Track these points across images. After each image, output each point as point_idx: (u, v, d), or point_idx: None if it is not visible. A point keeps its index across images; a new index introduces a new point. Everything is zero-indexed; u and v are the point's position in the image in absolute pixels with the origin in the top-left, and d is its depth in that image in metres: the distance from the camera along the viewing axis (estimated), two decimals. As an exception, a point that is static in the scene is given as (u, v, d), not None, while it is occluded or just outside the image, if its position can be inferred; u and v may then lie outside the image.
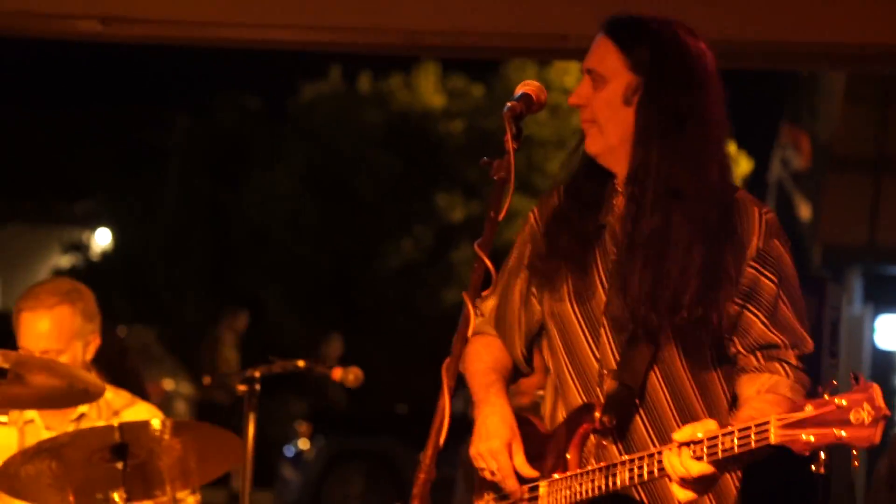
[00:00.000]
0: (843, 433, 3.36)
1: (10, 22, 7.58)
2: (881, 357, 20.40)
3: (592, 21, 4.26)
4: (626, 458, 3.91)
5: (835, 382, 3.47)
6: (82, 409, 5.81)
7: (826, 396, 3.42)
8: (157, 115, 31.08)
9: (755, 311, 4.01)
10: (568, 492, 4.01)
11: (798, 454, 3.48)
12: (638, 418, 4.04)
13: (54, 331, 5.64)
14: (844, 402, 3.37)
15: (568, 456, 4.07)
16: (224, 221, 29.60)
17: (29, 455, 5.32)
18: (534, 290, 4.24)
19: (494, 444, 4.09)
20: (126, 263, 30.59)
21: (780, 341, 4.05)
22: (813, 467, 3.54)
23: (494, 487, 4.18)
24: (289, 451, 19.90)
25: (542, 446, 4.14)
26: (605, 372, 4.06)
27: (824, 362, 6.88)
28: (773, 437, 3.48)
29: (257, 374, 6.18)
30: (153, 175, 30.89)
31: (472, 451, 4.11)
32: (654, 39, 4.05)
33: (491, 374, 4.29)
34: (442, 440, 3.50)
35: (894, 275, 20.71)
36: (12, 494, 5.47)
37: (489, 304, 4.39)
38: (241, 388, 6.14)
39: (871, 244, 19.05)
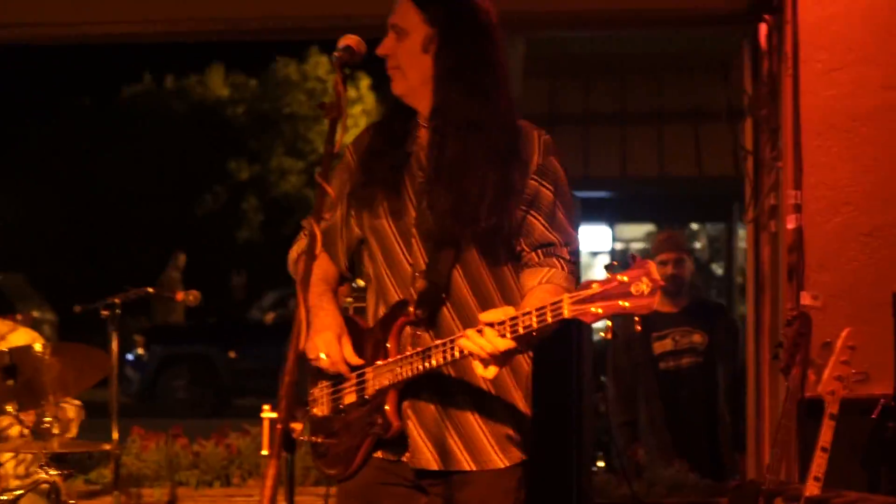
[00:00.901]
0: (627, 304, 3.04)
1: None
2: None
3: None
4: (438, 342, 3.48)
5: (615, 263, 3.14)
6: None
7: (609, 274, 3.10)
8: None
9: (536, 216, 3.67)
10: (390, 374, 3.58)
11: (588, 324, 3.18)
12: (445, 310, 3.65)
13: None
14: (626, 279, 3.04)
15: (388, 345, 3.63)
16: (78, 196, 29.02)
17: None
18: (353, 212, 3.85)
19: (327, 336, 3.68)
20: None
21: (555, 240, 3.66)
22: (602, 334, 3.37)
23: (327, 376, 3.78)
24: (130, 356, 19.83)
25: (365, 339, 3.74)
26: (416, 274, 3.68)
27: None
28: (566, 312, 3.14)
29: (117, 301, 5.75)
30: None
31: (308, 343, 3.68)
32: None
33: (321, 285, 3.83)
34: (301, 344, 2.98)
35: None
36: None
37: (314, 228, 3.89)
38: (105, 312, 5.56)
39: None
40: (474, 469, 3.63)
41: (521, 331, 3.26)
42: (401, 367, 3.55)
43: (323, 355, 3.66)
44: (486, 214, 3.58)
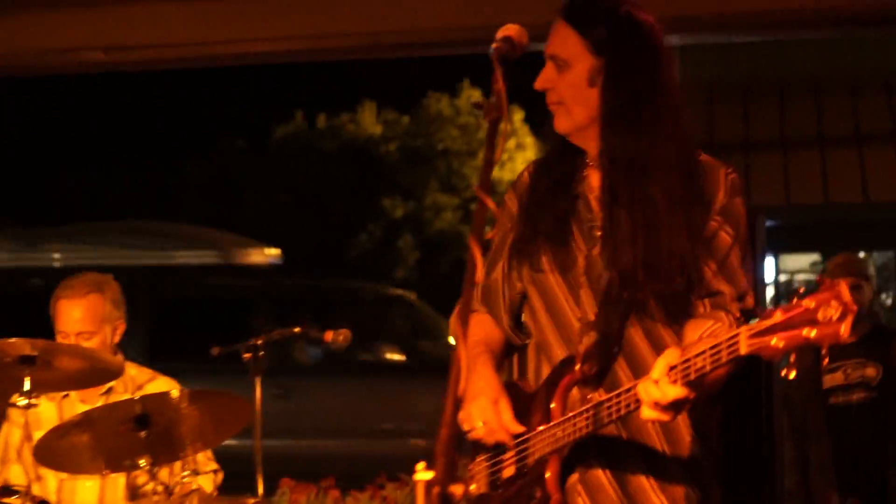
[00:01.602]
0: (812, 333, 2.55)
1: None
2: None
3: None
4: (603, 397, 3.05)
5: (802, 290, 2.66)
6: (110, 384, 5.06)
7: (795, 300, 2.62)
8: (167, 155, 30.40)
9: (709, 261, 3.19)
10: (552, 438, 3.14)
11: (767, 360, 2.70)
12: (618, 367, 3.23)
13: (87, 316, 5.03)
14: (812, 304, 2.56)
15: (552, 406, 3.19)
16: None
17: (65, 429, 4.55)
18: (514, 264, 3.41)
19: (482, 402, 3.23)
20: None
21: (726, 291, 3.20)
22: (783, 373, 2.96)
23: (486, 449, 3.31)
24: None
25: (527, 404, 3.26)
26: (584, 328, 3.25)
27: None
28: (743, 348, 2.65)
29: (260, 342, 5.25)
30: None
31: (461, 414, 3.18)
32: (608, 19, 3.24)
33: (479, 346, 3.40)
34: (461, 390, 2.51)
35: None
36: (52, 466, 4.81)
37: (476, 288, 3.54)
38: (247, 355, 5.14)
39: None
40: None
41: (692, 375, 2.82)
42: (563, 429, 3.10)
43: (479, 423, 3.21)
44: (678, 272, 3.15)
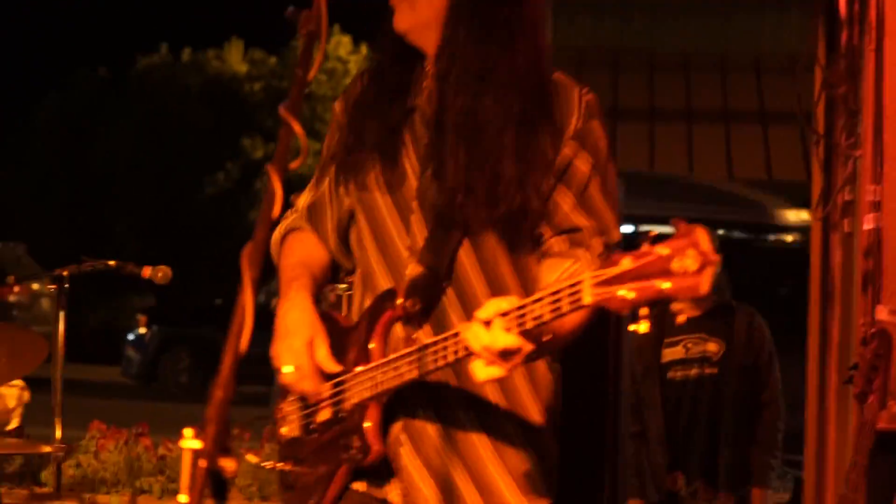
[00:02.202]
0: (667, 284, 2.19)
1: None
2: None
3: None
4: (429, 340, 2.64)
5: (652, 233, 2.28)
6: None
7: (645, 247, 2.24)
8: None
9: (564, 193, 2.79)
10: (371, 383, 2.74)
11: (616, 313, 2.33)
12: (448, 305, 2.81)
13: None
14: (666, 251, 2.20)
15: (371, 346, 2.79)
16: (87, 169, 28.83)
17: None
18: (341, 179, 2.98)
19: (294, 342, 2.79)
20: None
21: (586, 225, 2.78)
22: (632, 327, 2.62)
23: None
24: (131, 336, 20.35)
25: (346, 341, 2.85)
26: (411, 257, 2.85)
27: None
28: (588, 297, 2.30)
29: (65, 273, 4.86)
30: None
31: (272, 352, 2.82)
32: None
33: (297, 269, 2.96)
34: (244, 344, 2.04)
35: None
36: None
37: (303, 200, 3.13)
38: (51, 287, 4.72)
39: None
40: None
41: (528, 324, 2.42)
42: (384, 372, 2.71)
43: (290, 368, 2.79)
44: (507, 192, 2.74)
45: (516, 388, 2.81)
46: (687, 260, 2.16)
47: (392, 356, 2.70)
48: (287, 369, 2.77)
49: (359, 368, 2.75)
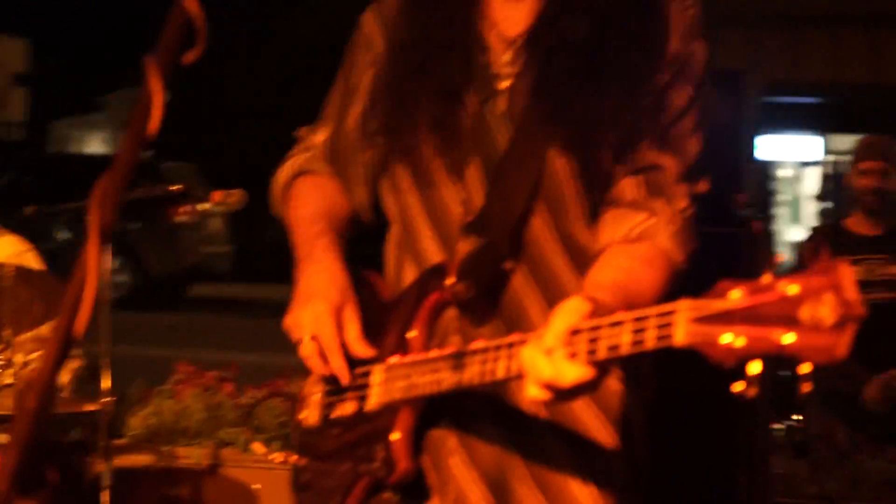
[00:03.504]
0: (790, 338, 1.55)
1: None
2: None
3: None
4: (480, 344, 2.02)
5: (779, 258, 1.58)
6: None
7: (767, 278, 1.59)
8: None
9: (648, 125, 2.19)
10: (404, 383, 2.14)
11: (714, 364, 1.64)
12: (518, 286, 2.21)
13: None
14: (795, 290, 1.53)
15: (410, 334, 2.20)
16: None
17: None
18: (378, 124, 2.37)
19: (318, 307, 2.22)
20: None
21: (668, 165, 2.19)
22: (737, 387, 1.66)
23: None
24: None
25: (383, 317, 2.28)
26: (466, 219, 2.25)
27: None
28: (681, 335, 1.67)
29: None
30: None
31: (288, 320, 2.26)
32: None
33: (318, 222, 2.38)
34: (81, 324, 1.54)
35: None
36: None
37: (319, 136, 2.51)
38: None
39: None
40: None
41: (601, 353, 1.81)
42: (421, 373, 2.11)
43: (308, 338, 2.24)
44: (611, 141, 2.17)
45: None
46: (822, 308, 1.55)
47: (433, 354, 2.13)
48: (306, 340, 2.24)
49: (392, 360, 2.19)
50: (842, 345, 1.54)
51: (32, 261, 4.30)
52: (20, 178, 17.33)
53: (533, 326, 2.02)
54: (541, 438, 2.24)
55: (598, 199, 2.21)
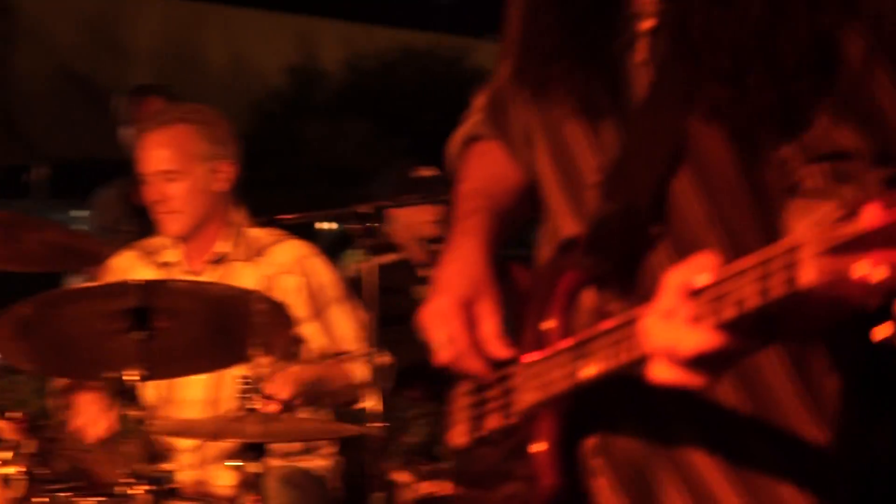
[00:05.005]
0: None
1: None
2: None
3: None
4: (609, 324, 1.65)
5: None
6: (222, 247, 4.03)
7: None
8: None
9: (826, 97, 1.74)
10: (538, 381, 1.80)
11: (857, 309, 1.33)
12: (659, 262, 1.81)
13: (170, 150, 3.96)
14: None
15: (545, 325, 1.82)
16: None
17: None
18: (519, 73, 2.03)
19: (443, 304, 1.92)
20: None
21: (858, 148, 1.71)
22: (879, 332, 1.32)
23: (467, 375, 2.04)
24: None
25: (528, 308, 1.93)
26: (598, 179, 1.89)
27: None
28: (808, 272, 1.31)
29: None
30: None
31: (423, 311, 1.96)
32: None
33: (473, 199, 2.05)
34: None
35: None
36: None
37: (481, 99, 2.20)
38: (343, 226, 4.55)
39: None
40: None
41: (726, 311, 1.43)
42: (554, 369, 1.77)
43: (441, 337, 1.93)
44: (795, 62, 1.73)
45: (771, 386, 1.83)
46: None
47: (563, 344, 1.76)
48: (439, 340, 1.92)
49: (528, 358, 1.83)
50: None
51: (319, 266, 4.04)
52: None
53: None
54: (738, 436, 1.83)
55: (758, 178, 1.81)
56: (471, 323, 1.89)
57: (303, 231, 4.22)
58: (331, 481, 4.06)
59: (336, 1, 26.89)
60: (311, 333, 4.01)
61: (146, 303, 3.25)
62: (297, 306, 3.89)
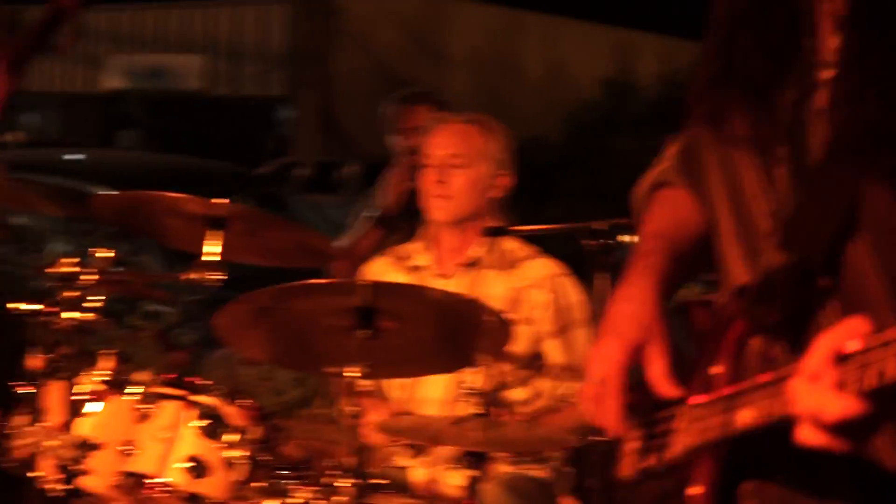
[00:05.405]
0: None
1: None
2: None
3: None
4: (765, 378, 1.66)
5: None
6: (476, 252, 4.07)
7: None
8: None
9: None
10: (700, 425, 1.82)
11: None
12: (826, 317, 1.79)
13: (460, 141, 4.05)
14: None
15: (714, 371, 1.85)
16: None
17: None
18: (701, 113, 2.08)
19: (610, 347, 1.94)
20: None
21: None
22: None
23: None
24: None
25: (701, 353, 1.98)
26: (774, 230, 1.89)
27: None
28: None
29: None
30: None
31: (592, 351, 2.00)
32: None
33: (651, 241, 2.06)
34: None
35: None
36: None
37: (673, 147, 2.22)
38: (593, 243, 3.79)
39: None
40: None
41: (868, 382, 1.46)
42: (713, 415, 1.79)
43: (597, 380, 1.96)
44: None
45: None
46: None
47: (721, 393, 1.78)
48: (591, 380, 1.96)
49: (694, 402, 1.85)
50: None
51: (569, 285, 4.04)
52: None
53: None
54: (890, 493, 1.79)
55: None
56: (623, 365, 1.93)
57: (569, 244, 4.16)
58: (558, 490, 4.02)
59: (655, 14, 26.87)
60: (551, 349, 4.01)
61: (372, 303, 3.31)
62: (543, 322, 3.94)
